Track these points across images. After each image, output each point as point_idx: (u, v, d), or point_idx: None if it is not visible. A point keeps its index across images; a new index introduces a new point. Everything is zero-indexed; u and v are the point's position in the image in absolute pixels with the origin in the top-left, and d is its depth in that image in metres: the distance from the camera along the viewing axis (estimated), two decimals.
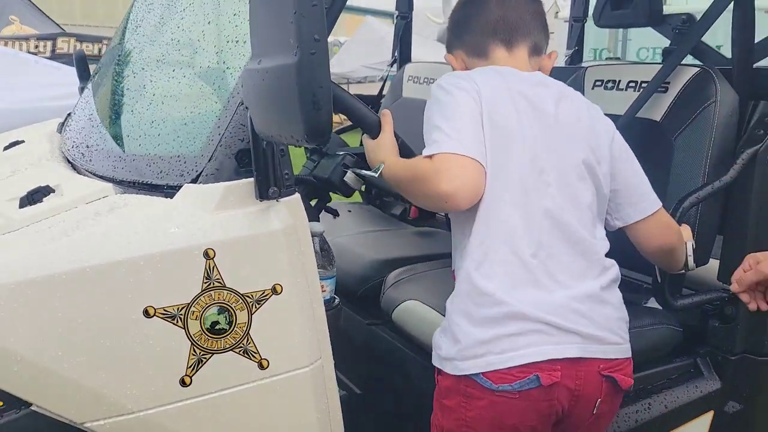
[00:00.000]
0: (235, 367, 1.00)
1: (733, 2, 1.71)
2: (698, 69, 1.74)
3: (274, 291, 1.02)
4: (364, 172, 1.30)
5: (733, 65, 1.73)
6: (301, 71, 0.81)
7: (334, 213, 1.50)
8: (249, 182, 1.02)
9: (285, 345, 1.04)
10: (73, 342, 0.91)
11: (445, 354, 1.20)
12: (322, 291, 1.21)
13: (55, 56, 7.84)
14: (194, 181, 1.05)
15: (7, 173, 1.44)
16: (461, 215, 1.21)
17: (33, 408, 0.91)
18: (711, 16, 1.73)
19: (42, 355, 0.90)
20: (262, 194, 1.01)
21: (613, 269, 1.30)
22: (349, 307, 2.12)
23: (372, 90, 3.57)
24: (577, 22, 3.71)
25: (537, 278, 1.18)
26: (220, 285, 0.98)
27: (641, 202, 1.35)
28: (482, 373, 1.14)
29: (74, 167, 1.43)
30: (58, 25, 9.51)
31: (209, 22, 1.32)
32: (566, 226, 1.21)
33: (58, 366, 0.91)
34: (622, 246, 1.80)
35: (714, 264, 1.72)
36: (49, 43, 8.60)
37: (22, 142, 1.78)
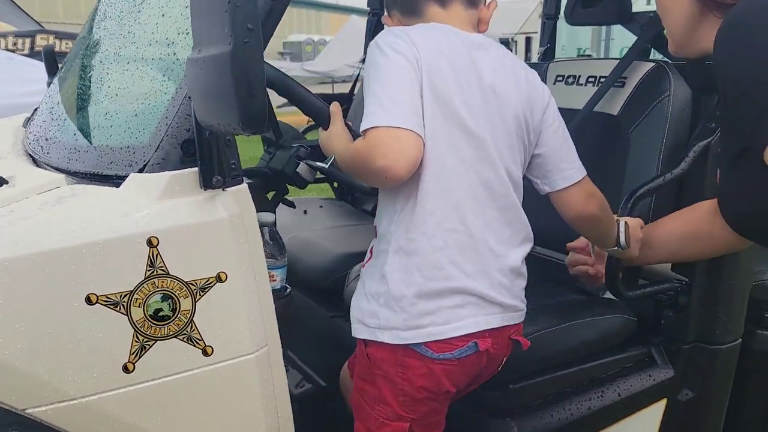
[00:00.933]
0: (179, 353, 1.02)
1: None
2: (653, 64, 1.78)
3: (219, 279, 1.04)
4: (315, 163, 1.31)
5: (687, 60, 1.76)
6: (234, 60, 0.83)
7: (291, 205, 1.51)
8: (194, 171, 1.04)
9: (230, 332, 1.05)
10: (15, 328, 0.92)
11: (384, 323, 1.21)
12: (272, 280, 1.23)
13: (33, 53, 7.77)
14: (141, 170, 1.06)
15: None
16: (404, 188, 1.20)
17: None
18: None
19: None
20: (206, 183, 1.02)
21: (530, 238, 1.37)
22: (314, 300, 2.14)
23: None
24: (549, 19, 3.74)
25: (479, 248, 1.22)
26: (163, 273, 1.00)
27: (567, 169, 1.37)
28: (423, 342, 1.18)
29: (34, 160, 1.44)
30: (37, 22, 9.42)
31: (163, 15, 1.32)
32: (502, 197, 1.26)
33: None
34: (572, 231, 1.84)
35: None
36: (27, 40, 8.52)
37: None
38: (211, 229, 1.03)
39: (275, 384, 1.11)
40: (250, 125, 0.85)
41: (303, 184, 1.38)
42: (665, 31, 1.15)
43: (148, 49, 1.36)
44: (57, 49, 2.15)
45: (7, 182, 1.20)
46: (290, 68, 18.22)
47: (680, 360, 1.70)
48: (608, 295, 1.84)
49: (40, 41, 8.50)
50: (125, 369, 0.98)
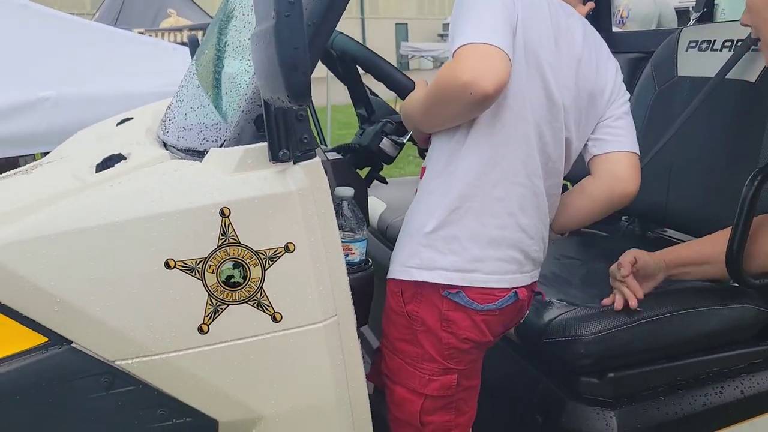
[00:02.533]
0: (250, 318, 1.07)
1: None
2: None
3: (287, 249, 1.07)
4: (396, 138, 1.32)
5: None
6: (278, 33, 0.85)
7: (383, 181, 1.52)
8: (265, 146, 1.08)
9: (298, 300, 1.09)
10: (105, 288, 1.02)
11: (428, 263, 1.20)
12: (351, 253, 1.25)
13: None
14: (221, 146, 1.13)
15: (106, 144, 1.62)
16: (476, 130, 1.16)
17: (73, 345, 1.04)
18: None
19: (79, 298, 1.02)
20: (274, 156, 1.06)
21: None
22: None
23: None
24: None
25: (540, 206, 1.24)
26: (234, 242, 1.05)
27: (622, 137, 1.30)
28: (465, 289, 1.19)
29: (160, 139, 1.58)
30: (210, 16, 10.24)
31: None
32: (556, 162, 1.25)
33: (93, 309, 1.02)
34: (707, 214, 1.67)
35: None
36: (200, 33, 9.29)
37: (131, 118, 1.98)
38: (280, 202, 1.07)
39: (345, 354, 1.14)
40: (295, 97, 0.87)
41: (388, 159, 1.39)
42: (759, 45, 1.04)
43: (246, 30, 1.44)
44: None
45: (125, 158, 1.32)
46: (447, 49, 18.22)
47: None
48: None
49: None
50: (200, 330, 1.05)
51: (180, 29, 8.91)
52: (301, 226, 1.08)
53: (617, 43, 2.38)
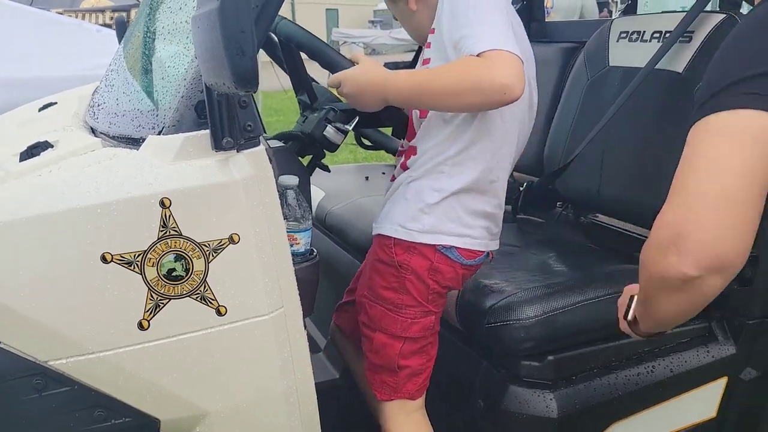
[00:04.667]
0: (193, 312, 1.03)
1: None
2: (724, 16, 1.63)
3: (231, 240, 1.04)
4: (341, 125, 1.30)
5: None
6: (222, 16, 0.81)
7: (325, 169, 1.51)
8: (208, 133, 1.04)
9: (243, 293, 1.06)
10: (38, 284, 0.97)
11: (429, 228, 1.38)
12: (296, 243, 1.23)
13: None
14: (159, 133, 1.08)
15: (29, 131, 1.52)
16: (485, 121, 1.33)
17: (2, 345, 0.98)
18: None
19: (6, 296, 0.96)
20: (217, 145, 1.02)
21: None
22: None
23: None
24: None
25: (507, 188, 1.47)
26: (176, 233, 1.01)
27: None
28: (457, 248, 1.40)
29: (88, 125, 1.50)
30: None
31: None
32: (520, 153, 1.50)
33: (24, 307, 0.97)
34: (638, 201, 1.73)
35: None
36: (124, 15, 8.92)
37: (55, 103, 1.87)
38: (224, 191, 1.04)
39: (292, 346, 1.12)
40: (241, 83, 0.84)
41: (332, 147, 1.37)
42: None
43: (182, 12, 1.38)
44: None
45: (52, 146, 1.25)
46: (378, 35, 18.17)
47: (744, 336, 1.57)
48: None
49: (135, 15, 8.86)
50: (140, 326, 1.01)
51: (102, 10, 8.54)
52: (246, 216, 1.05)
53: (551, 33, 2.44)
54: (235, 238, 1.05)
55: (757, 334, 1.58)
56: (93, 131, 1.41)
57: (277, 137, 1.46)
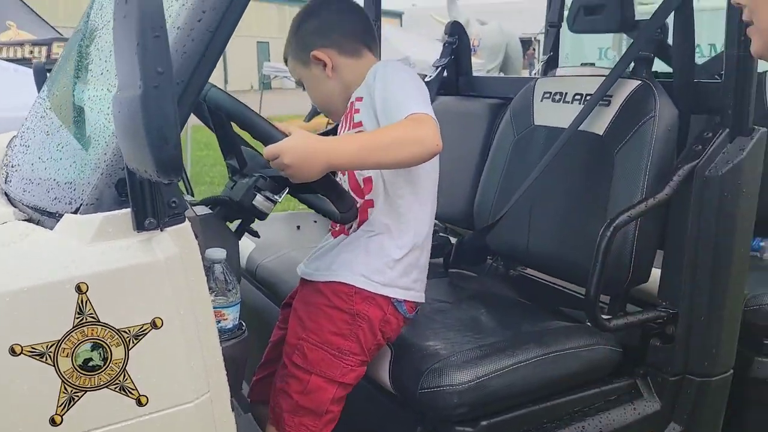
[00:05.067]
0: (111, 404, 0.97)
1: (673, 15, 1.67)
2: (639, 82, 1.71)
3: (154, 325, 0.99)
4: (272, 195, 1.28)
5: (675, 78, 1.69)
6: (145, 105, 0.78)
7: (255, 235, 1.47)
8: (128, 212, 0.99)
9: (167, 380, 1.01)
10: None
11: (389, 282, 1.49)
12: (223, 319, 1.19)
13: (50, 61, 7.84)
14: (76, 210, 1.03)
15: None
16: (428, 185, 1.53)
17: None
18: (649, 27, 1.70)
19: None
20: (139, 226, 0.98)
21: None
22: None
23: None
24: (552, 27, 3.67)
25: None
26: (93, 320, 0.96)
27: None
28: (405, 301, 1.52)
29: (2, 188, 1.41)
30: (55, 29, 9.51)
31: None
32: None
33: None
34: (563, 256, 1.78)
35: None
36: (44, 49, 8.61)
37: None
38: (146, 273, 0.99)
39: (218, 431, 1.07)
40: (164, 172, 0.81)
41: (262, 216, 1.34)
42: (748, 29, 1.00)
43: (103, 77, 1.33)
44: None
45: None
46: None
47: (667, 392, 1.62)
48: None
49: (57, 49, 8.58)
50: (52, 422, 0.94)
51: (20, 44, 8.23)
52: (170, 298, 1.01)
53: (478, 87, 2.50)
54: (158, 322, 1.00)
55: (678, 390, 1.63)
56: (6, 195, 1.34)
57: (205, 202, 1.42)
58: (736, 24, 1.53)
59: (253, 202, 1.30)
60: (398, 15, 40.17)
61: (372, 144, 1.35)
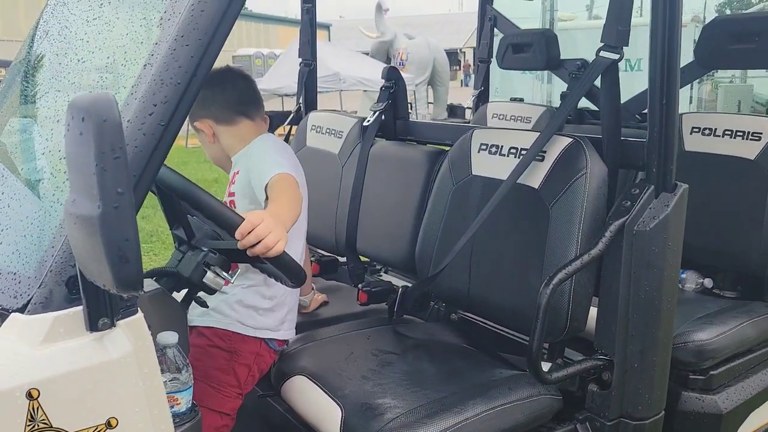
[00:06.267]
0: None
1: (600, 76, 1.77)
2: (571, 140, 1.79)
3: (109, 425, 0.98)
4: (222, 273, 1.28)
5: (603, 137, 1.78)
6: (105, 225, 0.78)
7: (203, 305, 1.46)
8: (80, 311, 0.98)
9: None
10: None
11: (261, 325, 1.79)
12: (177, 404, 1.18)
13: None
14: (24, 307, 1.00)
15: None
16: (294, 239, 1.79)
17: None
18: (577, 92, 1.79)
19: None
20: (92, 326, 0.97)
21: None
22: None
23: None
24: (482, 62, 3.80)
25: None
26: (45, 426, 0.94)
27: None
28: (277, 340, 1.84)
29: None
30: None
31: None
32: None
33: None
34: (501, 303, 1.84)
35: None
36: None
37: None
38: (99, 374, 0.98)
39: None
40: (125, 288, 0.81)
41: (211, 292, 1.34)
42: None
43: (50, 143, 1.30)
44: None
45: None
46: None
47: None
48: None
49: None
50: None
51: None
52: (124, 396, 1.00)
53: (415, 132, 2.56)
54: (113, 422, 0.99)
55: None
56: None
57: (150, 274, 1.40)
58: (658, 84, 1.64)
59: (204, 279, 1.29)
60: (326, 27, 40.23)
61: (288, 206, 1.57)
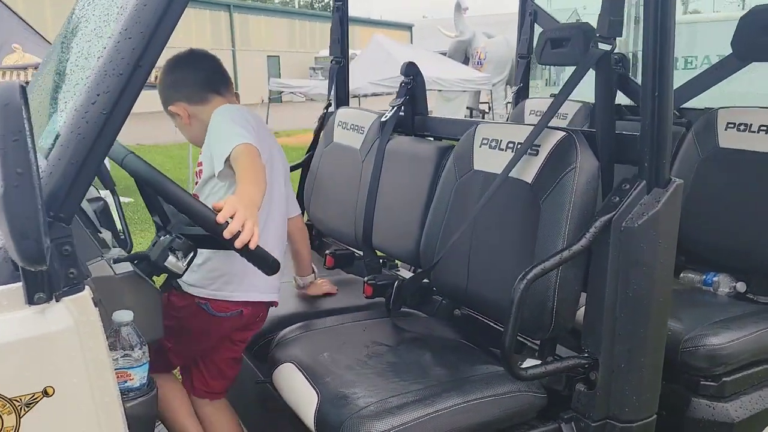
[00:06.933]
0: None
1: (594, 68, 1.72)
2: (564, 134, 1.75)
3: (45, 393, 1.05)
4: (180, 255, 1.34)
5: (597, 130, 1.73)
6: (6, 203, 0.85)
7: (179, 289, 1.53)
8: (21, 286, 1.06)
9: None
10: None
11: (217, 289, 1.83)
12: (129, 379, 1.24)
13: None
14: None
15: None
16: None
17: None
18: (570, 84, 1.74)
19: None
20: (30, 299, 1.04)
21: None
22: (250, 360, 2.15)
23: (381, 104, 3.60)
24: (522, 59, 3.74)
25: None
26: None
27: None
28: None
29: None
30: None
31: None
32: None
33: None
34: (496, 298, 1.81)
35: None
36: None
37: None
38: (37, 345, 1.05)
39: None
40: (29, 262, 0.87)
41: (175, 276, 1.40)
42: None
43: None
44: None
45: None
46: (316, 85, 18.32)
47: None
48: (525, 364, 1.80)
49: None
50: None
51: (24, 68, 8.37)
52: (62, 367, 1.07)
53: (431, 128, 2.56)
54: (50, 390, 1.06)
55: None
56: None
57: (131, 258, 1.48)
58: (650, 75, 1.58)
59: (165, 263, 1.36)
60: (408, 27, 40.42)
61: (255, 180, 1.58)
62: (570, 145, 1.71)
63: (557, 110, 1.78)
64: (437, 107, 16.06)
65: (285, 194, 2.02)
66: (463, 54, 17.58)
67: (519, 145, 1.85)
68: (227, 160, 1.66)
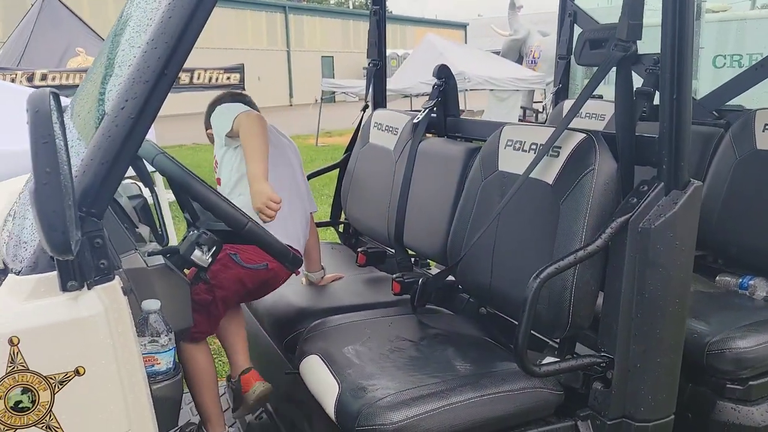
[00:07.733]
0: None
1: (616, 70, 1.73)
2: (583, 135, 1.77)
3: (77, 372, 1.15)
4: (205, 250, 1.43)
5: (617, 132, 1.74)
6: (36, 198, 0.95)
7: (206, 281, 1.62)
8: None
9: (88, 421, 1.17)
10: None
11: None
12: (156, 363, 1.34)
13: None
14: (19, 272, 1.20)
15: None
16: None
17: None
18: (591, 86, 1.76)
19: None
20: (63, 286, 1.14)
21: None
22: (282, 352, 2.24)
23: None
24: (562, 59, 3.73)
25: None
26: (23, 368, 1.12)
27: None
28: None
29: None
30: None
31: None
32: None
33: None
34: (517, 298, 1.84)
35: None
36: None
37: None
38: (70, 328, 1.15)
39: None
40: (56, 252, 0.97)
41: (202, 269, 1.49)
42: None
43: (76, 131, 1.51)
44: None
45: None
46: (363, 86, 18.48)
47: None
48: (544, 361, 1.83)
49: None
50: None
51: (86, 70, 8.74)
52: (92, 350, 1.17)
53: (463, 129, 2.60)
54: (81, 370, 1.16)
55: None
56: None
57: (163, 252, 1.58)
58: (668, 77, 1.59)
59: (192, 256, 1.45)
60: (463, 26, 40.28)
61: (259, 148, 1.93)
62: (589, 146, 1.73)
63: (577, 112, 1.80)
64: (489, 106, 15.96)
65: (306, 189, 2.36)
66: (517, 53, 17.40)
67: (541, 147, 1.87)
68: (234, 127, 2.02)
